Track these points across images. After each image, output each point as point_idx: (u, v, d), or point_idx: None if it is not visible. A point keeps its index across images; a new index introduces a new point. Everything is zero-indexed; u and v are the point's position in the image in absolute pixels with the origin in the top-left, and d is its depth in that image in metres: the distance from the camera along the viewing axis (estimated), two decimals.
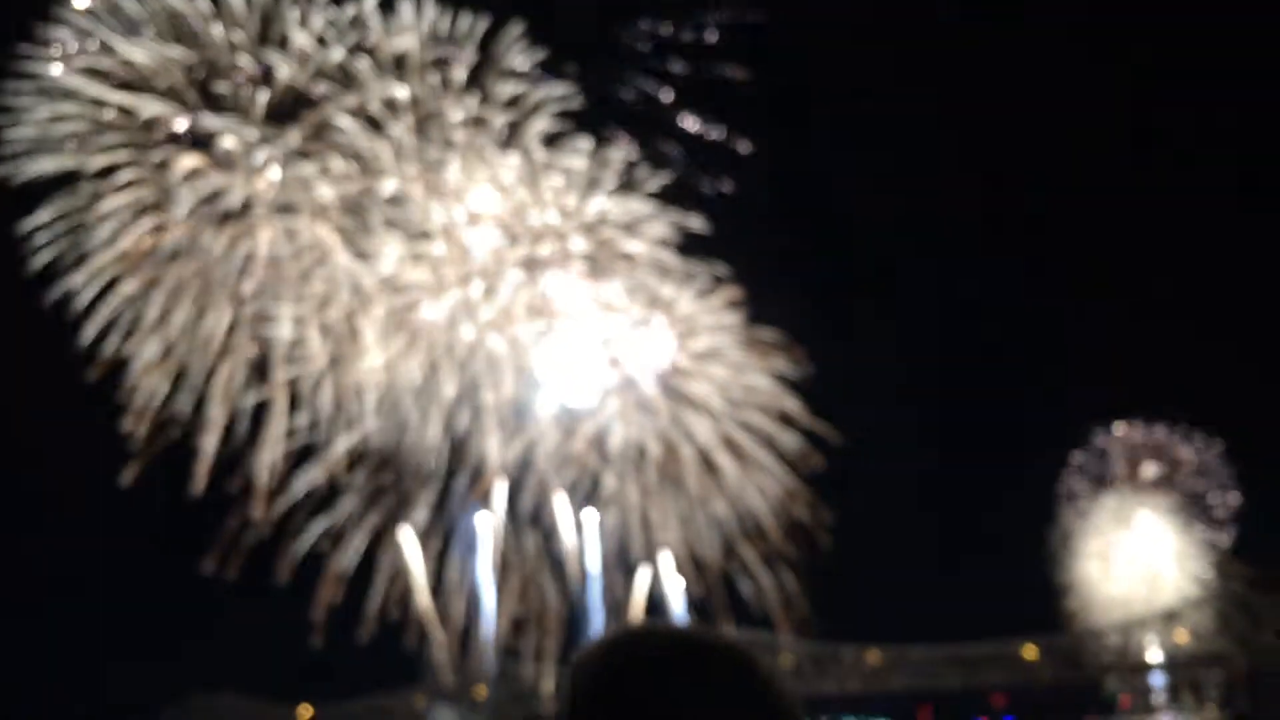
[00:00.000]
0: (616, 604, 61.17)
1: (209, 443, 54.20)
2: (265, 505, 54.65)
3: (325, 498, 57.07)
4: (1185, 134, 78.65)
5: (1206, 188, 75.19)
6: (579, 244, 59.45)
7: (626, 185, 58.41)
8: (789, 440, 58.43)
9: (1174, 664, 63.15)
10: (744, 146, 56.47)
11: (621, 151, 58.13)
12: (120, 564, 64.57)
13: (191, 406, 54.89)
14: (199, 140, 56.23)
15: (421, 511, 59.68)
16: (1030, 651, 64.11)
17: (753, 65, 55.46)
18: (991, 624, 63.78)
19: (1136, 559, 66.65)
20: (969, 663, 63.93)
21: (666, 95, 56.68)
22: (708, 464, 59.59)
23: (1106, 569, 66.58)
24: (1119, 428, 71.13)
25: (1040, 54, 75.28)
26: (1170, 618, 63.70)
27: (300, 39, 56.36)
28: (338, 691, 67.42)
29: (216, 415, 55.00)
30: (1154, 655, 63.65)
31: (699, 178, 56.49)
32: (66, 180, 55.04)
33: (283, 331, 56.84)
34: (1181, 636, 63.15)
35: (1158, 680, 63.61)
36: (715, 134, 56.51)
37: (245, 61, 55.93)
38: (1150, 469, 69.61)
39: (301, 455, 56.54)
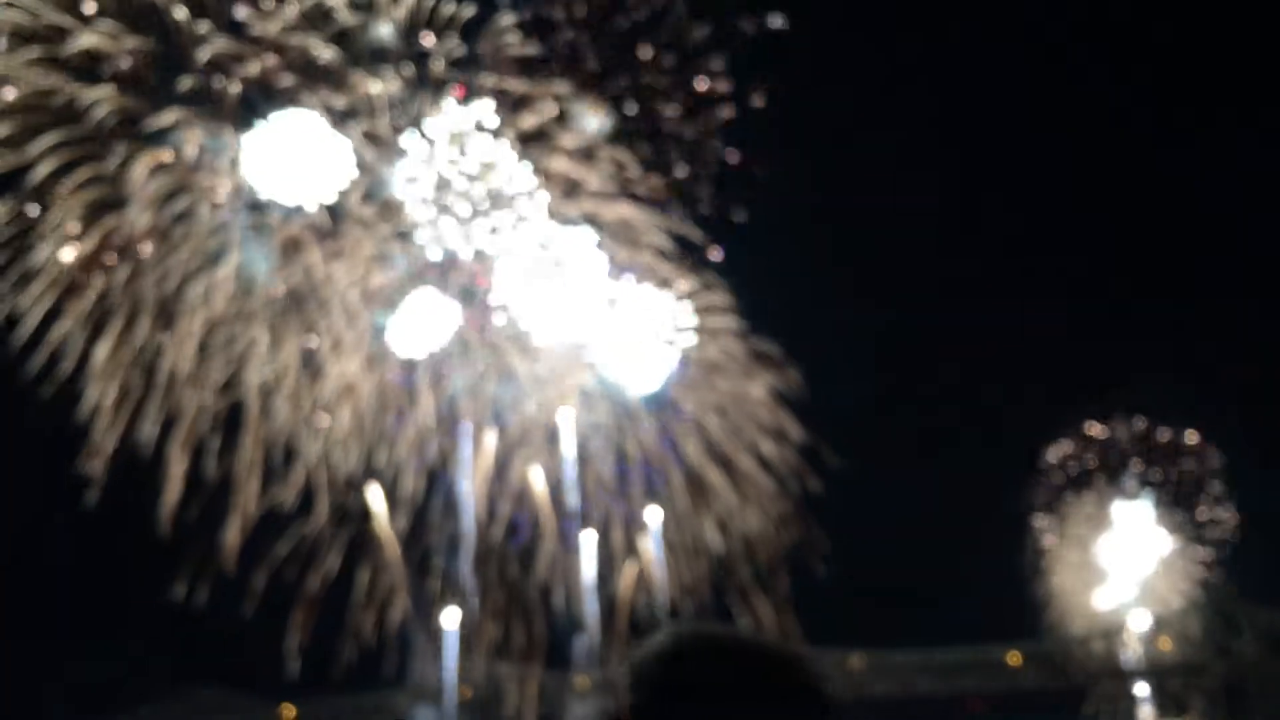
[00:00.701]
0: (601, 608, 60.14)
1: (175, 471, 51.35)
2: (238, 531, 52.25)
3: (300, 515, 54.81)
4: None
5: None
6: (564, 246, 56.87)
7: (617, 189, 55.69)
8: (784, 458, 56.83)
9: (1157, 672, 63.33)
10: (760, 169, 53.58)
11: (613, 154, 55.24)
12: (96, 564, 62.17)
13: (155, 428, 51.96)
14: (160, 136, 52.47)
15: (401, 520, 57.94)
16: (1014, 658, 63.94)
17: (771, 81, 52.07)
18: (977, 631, 63.47)
19: (1117, 566, 66.26)
20: (952, 669, 63.68)
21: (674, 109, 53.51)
22: (697, 479, 58.03)
23: (1086, 578, 66.18)
24: (1091, 427, 70.03)
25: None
26: (1154, 626, 63.70)
27: (271, 28, 52.49)
28: (323, 689, 65.96)
29: (181, 436, 52.18)
30: (1137, 663, 63.75)
31: (709, 197, 53.74)
32: (11, 181, 51.14)
33: (254, 339, 54.06)
34: (1165, 644, 63.23)
35: (1141, 688, 63.82)
36: (732, 157, 53.57)
37: (211, 52, 52.00)
38: (1130, 472, 68.85)
39: (275, 472, 54.05)
